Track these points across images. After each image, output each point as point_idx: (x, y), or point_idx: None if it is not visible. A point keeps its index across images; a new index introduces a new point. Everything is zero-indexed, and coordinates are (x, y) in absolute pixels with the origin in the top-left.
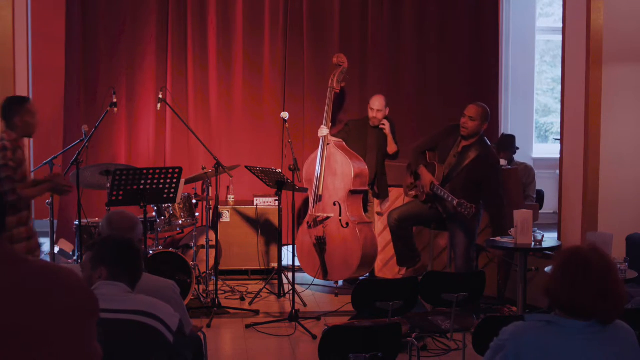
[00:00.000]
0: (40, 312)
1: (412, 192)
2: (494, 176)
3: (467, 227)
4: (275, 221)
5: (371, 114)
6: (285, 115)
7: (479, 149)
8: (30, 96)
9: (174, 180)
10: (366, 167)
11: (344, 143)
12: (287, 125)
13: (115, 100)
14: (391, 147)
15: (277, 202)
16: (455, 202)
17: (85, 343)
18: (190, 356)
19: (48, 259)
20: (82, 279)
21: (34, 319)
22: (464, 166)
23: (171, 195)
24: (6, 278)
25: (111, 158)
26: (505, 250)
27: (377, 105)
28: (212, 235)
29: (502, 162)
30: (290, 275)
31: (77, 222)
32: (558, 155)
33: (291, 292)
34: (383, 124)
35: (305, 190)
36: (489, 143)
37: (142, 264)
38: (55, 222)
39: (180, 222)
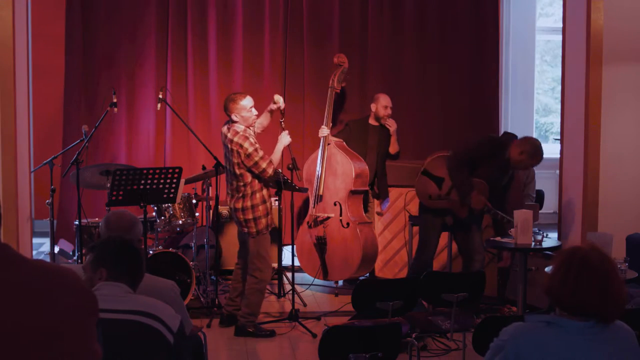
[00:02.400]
0: (39, 312)
1: (441, 203)
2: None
3: (479, 229)
4: (276, 221)
5: (383, 112)
6: (278, 99)
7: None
8: (30, 96)
9: (174, 180)
10: (367, 167)
11: (344, 143)
12: (282, 108)
13: (115, 100)
14: (394, 147)
15: (277, 202)
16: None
17: (85, 343)
18: (190, 357)
19: (48, 259)
20: (81, 279)
21: (33, 319)
22: (512, 184)
23: (171, 195)
24: (5, 278)
25: (111, 158)
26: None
27: (389, 102)
28: (212, 235)
29: None
30: (290, 275)
31: (77, 222)
32: (558, 155)
33: (291, 292)
34: (389, 125)
35: (305, 190)
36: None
37: (142, 265)
38: (55, 222)
39: (180, 222)
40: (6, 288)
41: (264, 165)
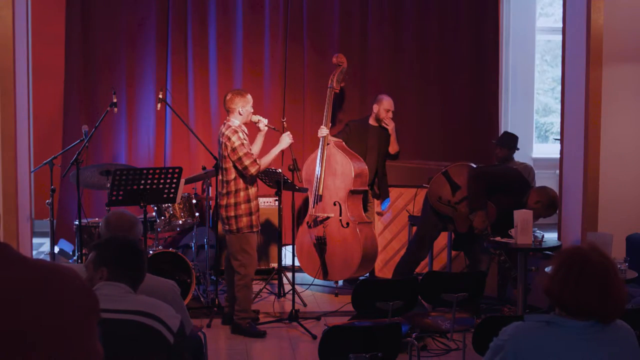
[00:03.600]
0: (40, 312)
1: (446, 209)
2: None
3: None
4: (275, 221)
5: (384, 115)
6: (256, 118)
7: None
8: (30, 96)
9: (174, 180)
10: (366, 167)
11: (343, 143)
12: (265, 124)
13: (115, 100)
14: (393, 147)
15: (277, 202)
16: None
17: (86, 343)
18: (190, 357)
19: (48, 259)
20: (82, 278)
21: (33, 318)
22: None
23: (171, 195)
24: (5, 277)
25: (111, 158)
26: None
27: (392, 105)
28: (212, 235)
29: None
30: (290, 275)
31: (77, 222)
32: (558, 155)
33: (291, 292)
34: (387, 124)
35: (305, 190)
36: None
37: (144, 265)
38: (55, 222)
39: (180, 222)
40: (7, 287)
41: (247, 162)
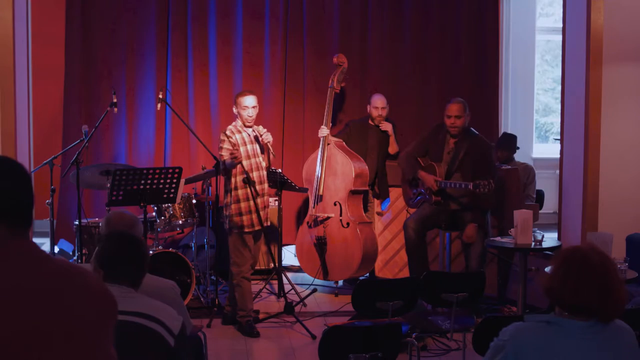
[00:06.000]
0: (56, 312)
1: (419, 201)
2: (489, 155)
3: (482, 221)
4: (275, 221)
5: (375, 113)
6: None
7: (469, 138)
8: (30, 96)
9: (174, 180)
10: (366, 167)
11: (344, 143)
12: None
13: (115, 100)
14: (393, 147)
15: (277, 202)
16: (470, 186)
17: (102, 346)
18: (190, 358)
19: None
20: (101, 281)
21: (50, 319)
22: (460, 158)
23: (171, 195)
24: (25, 276)
25: (111, 158)
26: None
27: (380, 103)
28: (212, 235)
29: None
30: (290, 275)
31: (77, 222)
32: (558, 155)
33: (291, 291)
34: (382, 127)
35: (306, 190)
36: (476, 131)
37: (143, 261)
38: (55, 222)
39: (180, 222)
40: (24, 286)
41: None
